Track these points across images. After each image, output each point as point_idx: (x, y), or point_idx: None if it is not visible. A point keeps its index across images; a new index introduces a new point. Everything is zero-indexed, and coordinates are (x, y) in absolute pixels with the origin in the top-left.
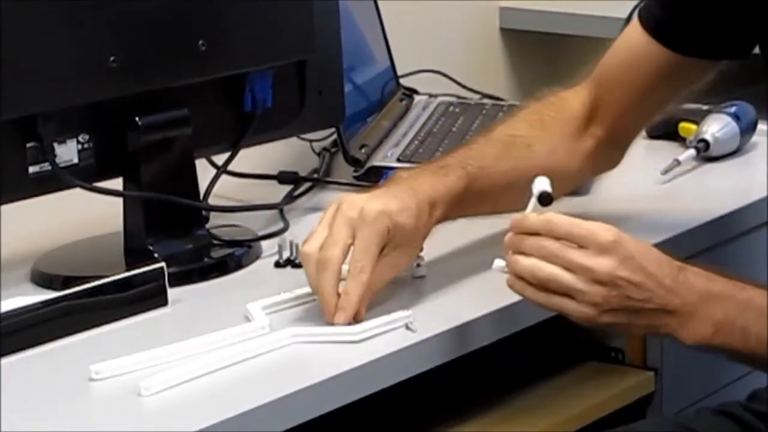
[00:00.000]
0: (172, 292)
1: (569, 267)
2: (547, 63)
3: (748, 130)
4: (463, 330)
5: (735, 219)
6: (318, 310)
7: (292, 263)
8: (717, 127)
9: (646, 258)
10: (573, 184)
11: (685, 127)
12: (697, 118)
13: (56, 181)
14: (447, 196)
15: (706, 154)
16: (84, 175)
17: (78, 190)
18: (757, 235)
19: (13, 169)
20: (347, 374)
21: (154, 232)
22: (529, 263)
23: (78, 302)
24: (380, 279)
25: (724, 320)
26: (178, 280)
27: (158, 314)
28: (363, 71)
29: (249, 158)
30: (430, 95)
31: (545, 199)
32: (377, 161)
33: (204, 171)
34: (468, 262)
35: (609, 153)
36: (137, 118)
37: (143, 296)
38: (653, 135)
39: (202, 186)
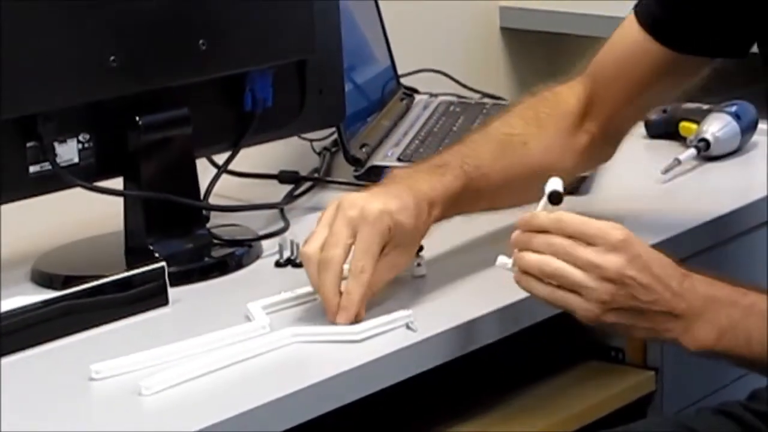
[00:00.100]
0: (172, 292)
1: (578, 264)
2: (547, 62)
3: (748, 129)
4: (463, 329)
5: (735, 218)
6: (318, 310)
7: (292, 263)
8: (717, 126)
9: (654, 261)
10: (566, 180)
11: (686, 127)
12: (698, 117)
13: (57, 180)
14: (445, 195)
15: (706, 153)
16: (84, 175)
17: (78, 190)
18: (758, 235)
19: (14, 168)
20: (347, 374)
21: (155, 232)
22: (537, 258)
23: (78, 302)
24: (380, 279)
25: (728, 325)
26: (179, 279)
27: (158, 314)
28: (363, 71)
29: (249, 158)
30: (431, 95)
31: (556, 198)
32: (378, 161)
33: (204, 170)
34: (468, 261)
35: (602, 148)
36: (137, 118)
37: (143, 296)
38: (654, 134)
39: (203, 185)
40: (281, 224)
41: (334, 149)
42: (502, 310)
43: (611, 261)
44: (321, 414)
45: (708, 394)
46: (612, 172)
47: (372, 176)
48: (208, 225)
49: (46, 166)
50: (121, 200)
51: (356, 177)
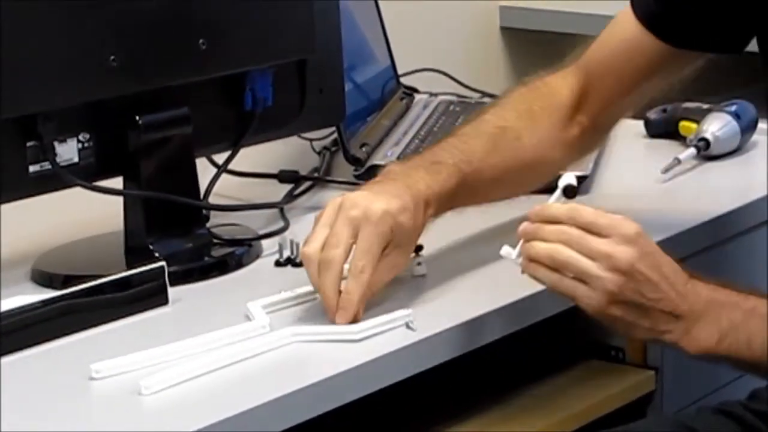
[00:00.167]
0: (172, 291)
1: (590, 254)
2: (547, 62)
3: (748, 128)
4: (463, 329)
5: (735, 218)
6: (318, 310)
7: (292, 262)
8: (717, 125)
9: (664, 261)
10: (555, 172)
11: (686, 126)
12: (698, 116)
13: (56, 180)
14: (440, 194)
15: (706, 152)
16: (84, 174)
17: (78, 189)
18: (757, 235)
19: (14, 168)
20: (347, 373)
21: (155, 231)
22: (548, 246)
23: (78, 301)
24: (380, 279)
25: (729, 328)
26: (179, 279)
27: (158, 313)
28: (363, 70)
29: (249, 157)
30: (431, 94)
31: (570, 192)
32: (378, 160)
33: (204, 170)
34: (467, 259)
35: (592, 138)
36: (137, 117)
37: (143, 295)
38: (654, 134)
39: (203, 185)
40: (281, 224)
41: (334, 149)
42: (501, 310)
43: (624, 252)
44: (320, 414)
45: (708, 394)
46: (612, 171)
47: (372, 176)
48: (208, 224)
49: (46, 165)
50: (120, 200)
51: (356, 176)
